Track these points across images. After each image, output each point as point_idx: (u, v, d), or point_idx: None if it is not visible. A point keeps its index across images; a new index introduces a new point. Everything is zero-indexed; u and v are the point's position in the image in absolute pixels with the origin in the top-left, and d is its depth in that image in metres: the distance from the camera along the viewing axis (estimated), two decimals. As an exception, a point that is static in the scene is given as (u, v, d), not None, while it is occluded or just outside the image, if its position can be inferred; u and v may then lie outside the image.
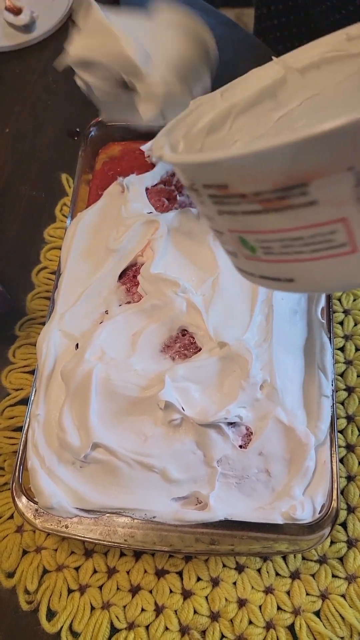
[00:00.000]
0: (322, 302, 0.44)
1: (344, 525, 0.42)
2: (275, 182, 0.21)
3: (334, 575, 0.40)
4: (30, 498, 0.38)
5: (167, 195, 0.50)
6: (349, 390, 0.47)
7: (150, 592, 0.40)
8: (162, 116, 0.39)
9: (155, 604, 0.40)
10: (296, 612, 0.39)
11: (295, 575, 0.41)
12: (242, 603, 0.40)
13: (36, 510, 0.38)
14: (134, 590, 0.41)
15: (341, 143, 0.19)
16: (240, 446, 0.39)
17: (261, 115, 0.33)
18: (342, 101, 0.30)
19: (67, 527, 0.38)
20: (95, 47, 0.36)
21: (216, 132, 0.33)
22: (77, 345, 0.43)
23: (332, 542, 0.41)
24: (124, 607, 0.40)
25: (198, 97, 0.34)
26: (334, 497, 0.37)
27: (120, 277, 0.46)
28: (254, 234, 0.24)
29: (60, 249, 0.49)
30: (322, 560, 0.41)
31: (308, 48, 0.32)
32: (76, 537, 0.38)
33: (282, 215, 0.22)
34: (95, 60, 0.36)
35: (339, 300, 0.51)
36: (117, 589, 0.41)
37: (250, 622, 0.39)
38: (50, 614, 0.40)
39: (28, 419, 0.41)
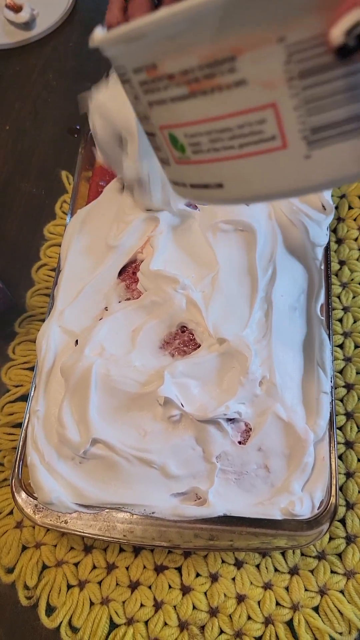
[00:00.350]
0: (322, 299, 0.44)
1: (342, 521, 0.42)
2: (202, 55, 0.20)
3: (332, 571, 0.40)
4: (30, 494, 0.39)
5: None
6: (348, 387, 0.47)
7: (150, 587, 0.41)
8: (140, 180, 0.43)
9: (154, 599, 0.40)
10: (295, 607, 0.39)
11: (294, 571, 0.41)
12: (241, 598, 0.40)
13: (36, 505, 0.38)
14: (133, 586, 0.41)
15: (270, 4, 0.18)
16: (239, 442, 0.39)
17: None
18: None
19: (66, 522, 0.38)
20: (113, 107, 0.41)
21: None
22: (76, 341, 0.43)
23: (330, 538, 0.41)
24: (123, 602, 0.40)
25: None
26: (333, 493, 0.38)
27: (120, 273, 0.45)
28: (183, 127, 0.23)
29: (60, 245, 0.49)
30: (320, 556, 0.41)
31: None
32: (75, 532, 0.38)
33: (210, 100, 0.21)
34: (108, 114, 0.42)
35: (339, 297, 0.51)
36: (117, 584, 0.41)
37: (249, 618, 0.39)
38: (50, 610, 0.40)
39: (28, 415, 0.41)
